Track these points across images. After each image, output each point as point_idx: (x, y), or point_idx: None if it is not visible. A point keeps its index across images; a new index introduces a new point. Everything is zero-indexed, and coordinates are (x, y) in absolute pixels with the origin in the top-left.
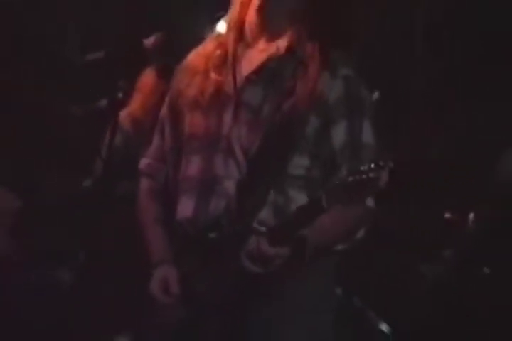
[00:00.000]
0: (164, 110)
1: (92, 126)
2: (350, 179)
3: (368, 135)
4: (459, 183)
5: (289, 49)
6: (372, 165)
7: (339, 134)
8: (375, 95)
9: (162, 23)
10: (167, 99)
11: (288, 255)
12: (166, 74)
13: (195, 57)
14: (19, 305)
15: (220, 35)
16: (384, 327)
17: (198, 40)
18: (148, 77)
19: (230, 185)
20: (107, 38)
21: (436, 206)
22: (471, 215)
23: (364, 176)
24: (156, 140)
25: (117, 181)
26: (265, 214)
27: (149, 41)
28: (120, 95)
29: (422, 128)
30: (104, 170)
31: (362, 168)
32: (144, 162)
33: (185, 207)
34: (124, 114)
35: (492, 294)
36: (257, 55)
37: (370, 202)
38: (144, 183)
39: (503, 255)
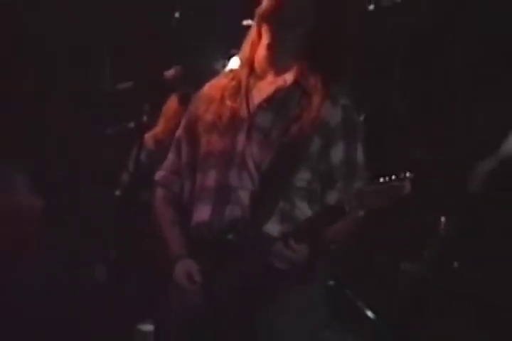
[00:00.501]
0: (180, 132)
1: (121, 144)
2: (371, 187)
3: (360, 155)
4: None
5: (295, 82)
6: (394, 177)
7: (338, 154)
8: (361, 117)
9: (181, 57)
10: (183, 123)
11: (308, 251)
12: (185, 101)
13: (210, 88)
14: (59, 296)
15: (232, 70)
16: (370, 313)
17: (212, 72)
18: (172, 103)
19: (244, 195)
20: (133, 69)
21: (415, 211)
22: (443, 219)
23: (383, 186)
24: (171, 156)
25: (142, 190)
26: (274, 219)
27: (169, 73)
28: (145, 118)
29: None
30: (130, 181)
31: (382, 179)
32: (159, 174)
33: (202, 213)
34: (149, 135)
35: (460, 284)
36: (266, 86)
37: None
38: (159, 192)
39: (469, 252)
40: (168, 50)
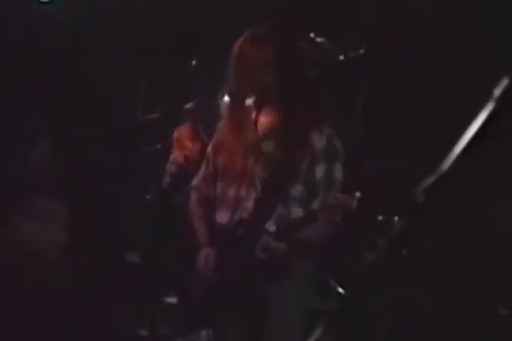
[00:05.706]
0: (209, 150)
1: (151, 160)
2: (326, 203)
3: (338, 173)
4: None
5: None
6: (344, 195)
7: (321, 171)
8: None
9: (195, 95)
10: (211, 144)
11: (286, 248)
12: (196, 130)
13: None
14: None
15: None
16: (340, 289)
17: (217, 106)
18: (184, 129)
19: (249, 203)
20: (160, 104)
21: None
22: (396, 218)
23: (338, 201)
24: (203, 167)
25: (175, 194)
26: (272, 220)
27: (187, 106)
28: (169, 141)
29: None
30: (160, 188)
31: (338, 196)
32: (194, 181)
33: (223, 216)
34: (179, 153)
35: (406, 265)
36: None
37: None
38: (194, 194)
39: (414, 244)
40: (187, 90)
